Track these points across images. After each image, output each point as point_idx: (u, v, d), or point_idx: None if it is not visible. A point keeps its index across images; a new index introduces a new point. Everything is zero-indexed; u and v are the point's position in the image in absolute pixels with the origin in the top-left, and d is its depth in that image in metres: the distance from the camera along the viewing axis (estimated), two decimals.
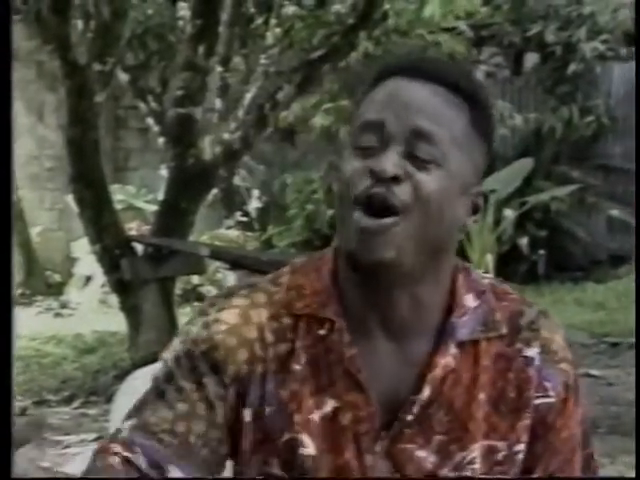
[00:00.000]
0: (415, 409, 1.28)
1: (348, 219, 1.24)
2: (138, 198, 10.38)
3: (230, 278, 9.07)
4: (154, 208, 8.11)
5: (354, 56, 8.41)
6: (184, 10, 8.13)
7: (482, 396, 1.29)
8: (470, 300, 1.31)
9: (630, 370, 6.68)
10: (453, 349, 1.29)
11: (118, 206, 7.25)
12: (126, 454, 1.24)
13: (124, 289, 6.50)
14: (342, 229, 1.27)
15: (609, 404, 5.55)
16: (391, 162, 1.22)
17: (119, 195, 9.42)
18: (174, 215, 6.61)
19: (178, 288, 7.80)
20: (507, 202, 9.73)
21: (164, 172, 7.18)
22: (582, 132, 10.68)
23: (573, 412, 1.34)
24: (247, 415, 1.29)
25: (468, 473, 1.29)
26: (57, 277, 10.11)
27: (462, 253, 9.09)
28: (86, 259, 9.13)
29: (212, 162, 6.60)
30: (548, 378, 1.32)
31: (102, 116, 6.68)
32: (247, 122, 6.75)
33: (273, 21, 8.25)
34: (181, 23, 8.17)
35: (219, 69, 7.03)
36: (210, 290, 9.67)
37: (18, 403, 5.59)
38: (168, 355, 1.33)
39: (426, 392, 1.28)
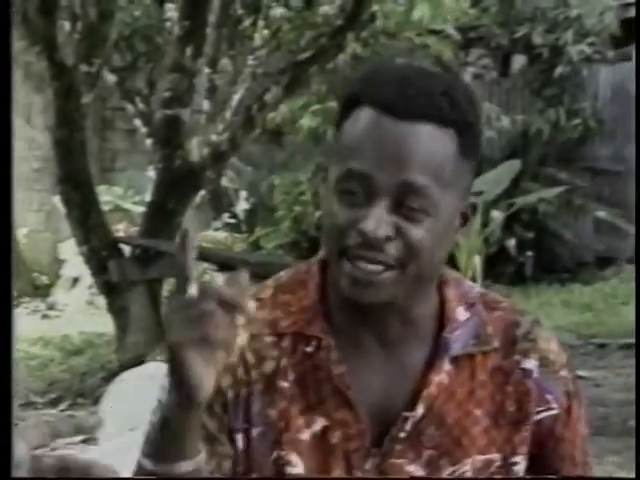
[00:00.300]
0: (408, 426, 1.26)
1: (337, 264, 1.22)
2: (125, 199, 10.36)
3: (218, 280, 9.06)
4: (141, 209, 8.10)
5: (342, 58, 8.43)
6: (172, 11, 8.11)
7: (479, 411, 1.28)
8: (461, 313, 1.29)
9: (617, 371, 6.70)
10: (447, 365, 1.27)
11: (105, 207, 7.24)
12: None
13: (111, 290, 6.49)
14: (333, 265, 1.24)
15: (596, 405, 5.57)
16: (382, 223, 1.18)
17: (106, 196, 9.40)
18: (161, 216, 6.60)
19: (166, 289, 7.79)
20: (495, 204, 9.74)
21: (151, 173, 7.17)
22: (569, 134, 10.72)
23: (579, 417, 1.34)
24: (239, 440, 1.27)
25: None
26: (44, 279, 10.08)
27: (450, 255, 9.09)
28: (73, 260, 9.11)
29: (200, 163, 6.59)
30: (549, 390, 1.31)
31: (89, 117, 6.66)
32: (235, 123, 6.75)
33: (261, 22, 8.24)
34: (169, 24, 8.15)
35: (207, 70, 7.01)
36: None
37: None
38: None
39: (420, 409, 1.26)
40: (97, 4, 6.08)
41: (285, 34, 8.33)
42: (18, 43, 8.38)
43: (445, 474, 1.27)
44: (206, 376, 1.10)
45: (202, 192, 7.44)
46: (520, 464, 1.30)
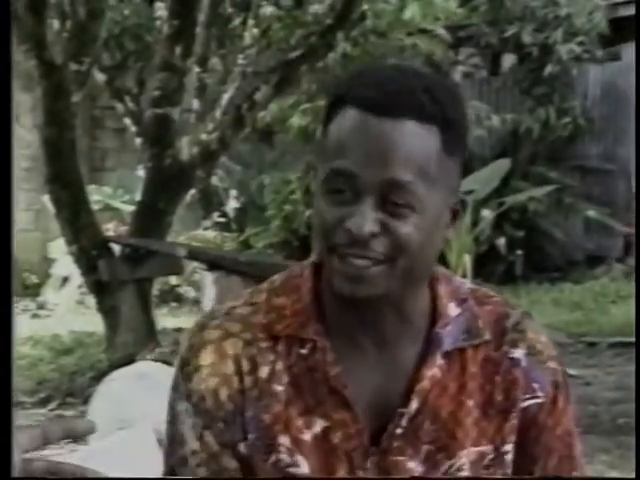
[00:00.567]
0: (404, 422, 1.27)
1: (328, 261, 1.24)
2: (115, 199, 10.34)
3: (208, 279, 9.06)
4: (131, 209, 8.08)
5: (332, 57, 8.42)
6: (161, 10, 8.10)
7: (470, 403, 1.29)
8: (452, 309, 1.31)
9: (607, 370, 6.72)
10: (439, 360, 1.28)
11: (95, 207, 7.22)
12: None
13: (101, 290, 6.48)
14: (324, 263, 1.26)
15: (586, 403, 5.58)
16: (367, 220, 1.19)
17: (96, 196, 9.38)
18: (151, 216, 6.59)
19: (156, 289, 7.78)
20: (485, 203, 9.76)
21: (141, 172, 7.16)
22: (559, 133, 10.74)
23: (565, 409, 1.35)
24: (242, 449, 1.29)
25: None
26: (34, 278, 10.06)
27: (440, 254, 9.10)
28: (63, 260, 9.09)
29: (189, 163, 6.58)
30: (536, 379, 1.32)
31: (78, 116, 6.64)
32: (224, 122, 6.74)
33: (251, 21, 8.24)
34: (158, 23, 8.15)
35: (196, 69, 7.01)
36: (187, 291, 9.66)
37: None
38: (174, 412, 1.33)
39: (414, 404, 1.28)
40: (86, 2, 6.06)
41: (275, 33, 8.32)
42: None
43: (443, 469, 1.28)
44: None
45: (192, 191, 7.44)
46: (510, 453, 1.32)
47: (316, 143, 9.43)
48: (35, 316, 9.34)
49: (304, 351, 1.28)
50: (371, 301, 1.24)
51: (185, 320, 7.95)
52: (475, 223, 9.65)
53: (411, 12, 8.59)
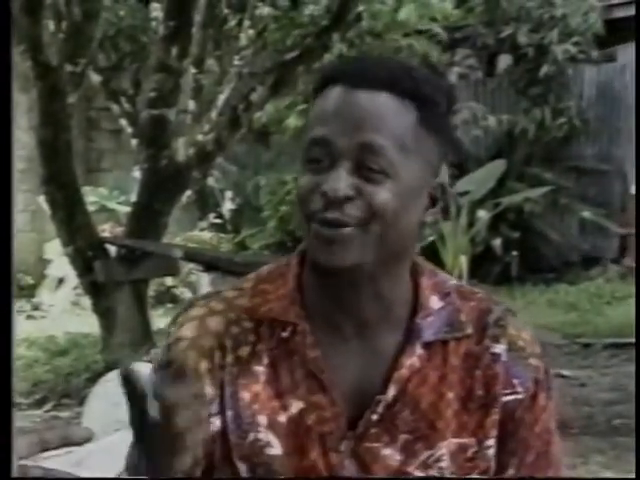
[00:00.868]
0: (380, 409, 1.29)
1: (306, 230, 1.27)
2: (111, 200, 10.34)
3: (204, 280, 9.06)
4: (127, 210, 8.08)
5: (328, 58, 8.42)
6: (157, 11, 8.10)
7: (451, 394, 1.31)
8: (435, 302, 1.33)
9: (603, 371, 6.73)
10: (419, 350, 1.30)
11: (91, 208, 7.22)
12: None
13: (97, 291, 6.47)
14: (305, 236, 1.29)
15: (581, 405, 5.58)
16: (341, 183, 1.23)
17: (92, 197, 9.38)
18: (147, 217, 6.59)
19: (152, 290, 7.77)
20: (480, 203, 9.77)
21: (137, 174, 7.15)
22: (554, 134, 10.75)
23: (545, 406, 1.36)
24: (215, 423, 1.30)
25: (435, 471, 1.30)
26: (29, 279, 10.05)
27: (436, 255, 9.12)
28: (59, 261, 9.08)
29: (185, 164, 6.58)
30: (516, 375, 1.33)
31: (74, 117, 6.64)
32: (220, 123, 6.74)
33: (247, 22, 8.23)
34: (154, 24, 8.14)
35: (192, 70, 7.01)
36: (184, 292, 9.65)
37: None
38: (153, 383, 1.35)
39: (391, 392, 1.30)
40: (82, 3, 6.06)
41: (271, 34, 8.33)
42: None
43: (421, 458, 1.30)
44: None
45: (188, 192, 7.44)
46: (493, 447, 1.33)
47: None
48: (30, 317, 9.33)
49: (285, 334, 1.31)
50: (347, 274, 1.26)
51: None
52: (471, 224, 9.66)
53: (407, 13, 8.60)
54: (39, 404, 6.08)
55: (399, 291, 1.31)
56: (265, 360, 1.31)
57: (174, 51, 6.40)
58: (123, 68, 8.42)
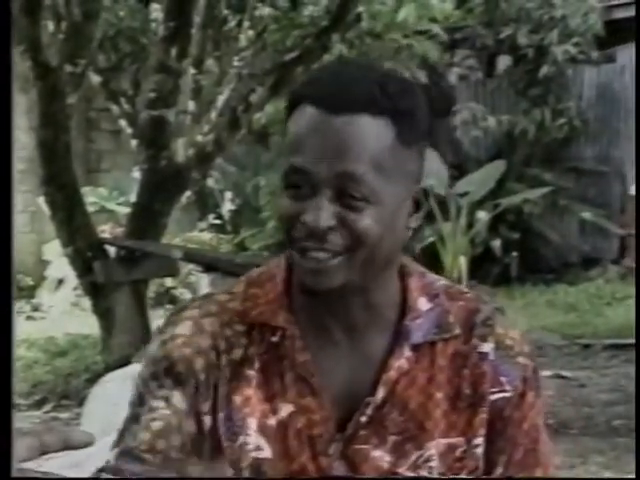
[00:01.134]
0: (369, 410, 1.30)
1: (290, 253, 1.27)
2: (110, 200, 10.34)
3: (203, 281, 9.07)
4: (127, 210, 8.08)
5: (327, 58, 8.41)
6: (157, 12, 8.10)
7: (439, 395, 1.31)
8: (423, 303, 1.33)
9: (602, 371, 6.73)
10: (407, 352, 1.31)
11: (90, 208, 7.22)
12: None
13: (97, 292, 6.47)
14: (289, 255, 1.29)
15: (581, 405, 5.58)
16: (323, 213, 1.22)
17: (91, 197, 9.38)
18: (147, 217, 6.59)
19: (151, 291, 7.78)
20: (480, 204, 9.78)
21: (137, 174, 7.16)
22: (554, 134, 10.75)
23: (533, 404, 1.36)
24: (207, 422, 1.31)
25: (425, 471, 1.31)
26: (29, 280, 10.05)
27: (435, 256, 9.12)
28: (58, 262, 9.08)
29: (185, 164, 6.58)
30: (504, 373, 1.33)
31: (74, 118, 6.64)
32: (220, 124, 6.74)
33: (246, 23, 8.23)
34: (154, 25, 8.14)
35: (192, 71, 7.00)
36: (183, 293, 9.65)
37: None
38: (137, 380, 1.37)
39: (380, 394, 1.30)
40: (81, 4, 6.06)
41: (271, 35, 8.32)
42: None
43: (411, 459, 1.30)
44: None
45: (187, 193, 7.44)
46: (481, 446, 1.33)
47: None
48: (30, 318, 9.33)
49: (275, 339, 1.31)
50: (334, 291, 1.26)
51: None
52: (470, 225, 9.67)
53: (407, 14, 8.60)
54: (39, 405, 6.08)
55: (387, 295, 1.32)
56: (256, 364, 1.31)
57: (174, 52, 6.40)
58: (123, 69, 8.42)
